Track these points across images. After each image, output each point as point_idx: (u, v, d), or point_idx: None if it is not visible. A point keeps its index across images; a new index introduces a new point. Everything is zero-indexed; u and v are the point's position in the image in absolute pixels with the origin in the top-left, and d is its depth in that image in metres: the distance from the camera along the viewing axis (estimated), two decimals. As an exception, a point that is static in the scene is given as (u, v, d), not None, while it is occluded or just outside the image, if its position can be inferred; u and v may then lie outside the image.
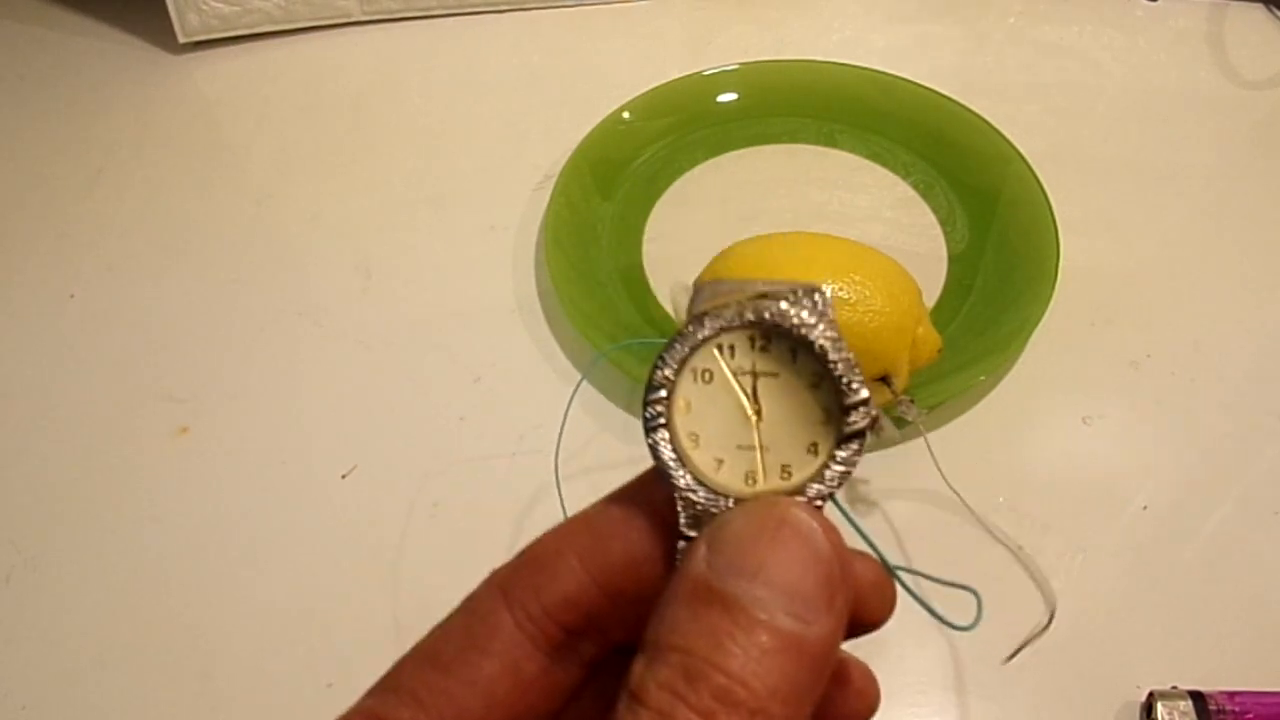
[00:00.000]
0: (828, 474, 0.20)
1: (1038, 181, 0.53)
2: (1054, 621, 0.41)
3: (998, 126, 0.57)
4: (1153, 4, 0.69)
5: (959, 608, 0.36)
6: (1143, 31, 0.68)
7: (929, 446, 0.43)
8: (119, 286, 0.56)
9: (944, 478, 0.43)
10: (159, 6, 0.66)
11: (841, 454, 0.20)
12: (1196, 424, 0.48)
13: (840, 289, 0.42)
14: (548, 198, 0.55)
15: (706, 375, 0.20)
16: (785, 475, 0.20)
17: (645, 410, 0.21)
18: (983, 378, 0.47)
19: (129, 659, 0.41)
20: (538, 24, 0.70)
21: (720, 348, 0.20)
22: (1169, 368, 0.50)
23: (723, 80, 0.61)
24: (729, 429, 0.20)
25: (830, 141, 0.60)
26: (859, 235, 0.47)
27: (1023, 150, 0.55)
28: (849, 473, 0.20)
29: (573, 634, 0.21)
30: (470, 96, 0.66)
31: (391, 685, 0.20)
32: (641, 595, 0.19)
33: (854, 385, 0.20)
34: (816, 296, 0.20)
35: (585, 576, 0.21)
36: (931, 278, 0.52)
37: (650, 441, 0.20)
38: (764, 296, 0.20)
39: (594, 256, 0.54)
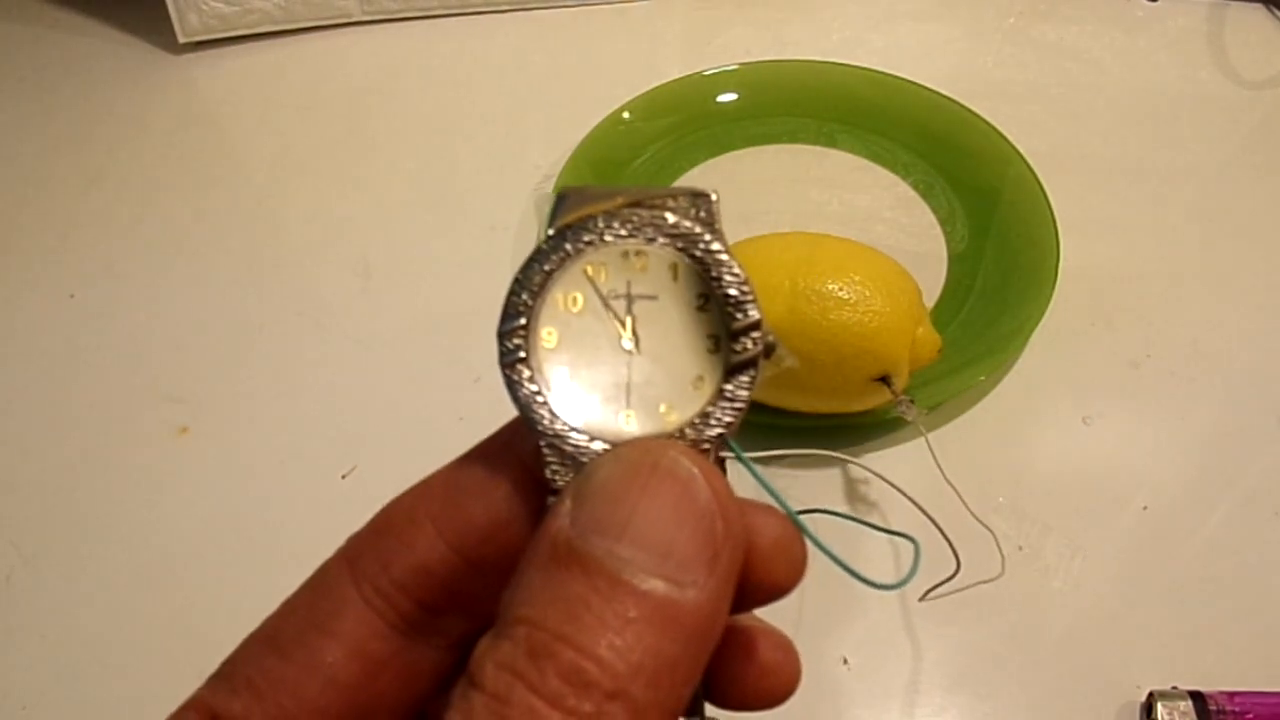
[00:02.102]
0: (714, 412, 0.17)
1: (1038, 181, 0.53)
2: (1054, 622, 0.41)
3: (998, 126, 0.57)
4: (1153, 4, 0.69)
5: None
6: (1143, 31, 0.68)
7: (929, 446, 0.43)
8: (119, 286, 0.55)
9: (944, 477, 0.43)
10: (159, 6, 0.66)
11: (729, 388, 0.17)
12: (1196, 424, 0.48)
13: (840, 289, 0.42)
14: (547, 198, 0.55)
15: (573, 300, 0.18)
16: (666, 415, 0.17)
17: (500, 344, 0.18)
18: (983, 378, 0.47)
19: (129, 659, 0.41)
20: (538, 24, 0.70)
21: (589, 267, 0.17)
22: (1169, 368, 0.50)
23: (723, 80, 0.61)
24: (600, 362, 0.17)
25: (830, 141, 0.60)
26: (859, 235, 0.47)
27: (1023, 150, 0.55)
28: (742, 410, 0.17)
29: (432, 610, 0.18)
30: (470, 96, 0.66)
31: (227, 672, 0.18)
32: (510, 564, 0.16)
33: (744, 305, 0.17)
34: (700, 201, 0.17)
35: (442, 544, 0.18)
36: (931, 278, 0.52)
37: (507, 379, 0.17)
38: (638, 204, 0.17)
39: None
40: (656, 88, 0.60)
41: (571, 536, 0.15)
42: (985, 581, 0.41)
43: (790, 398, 0.45)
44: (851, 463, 0.45)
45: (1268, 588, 0.42)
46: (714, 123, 0.61)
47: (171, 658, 0.41)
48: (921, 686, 0.40)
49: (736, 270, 0.17)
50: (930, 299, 0.51)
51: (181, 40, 0.67)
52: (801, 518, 0.18)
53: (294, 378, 0.51)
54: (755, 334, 0.17)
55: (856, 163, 0.59)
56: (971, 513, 0.42)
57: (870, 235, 0.54)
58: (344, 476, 0.47)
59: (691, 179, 0.58)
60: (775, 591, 0.18)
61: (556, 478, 0.17)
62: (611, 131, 0.58)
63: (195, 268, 0.56)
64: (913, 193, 0.57)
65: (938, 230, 0.55)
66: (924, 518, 0.40)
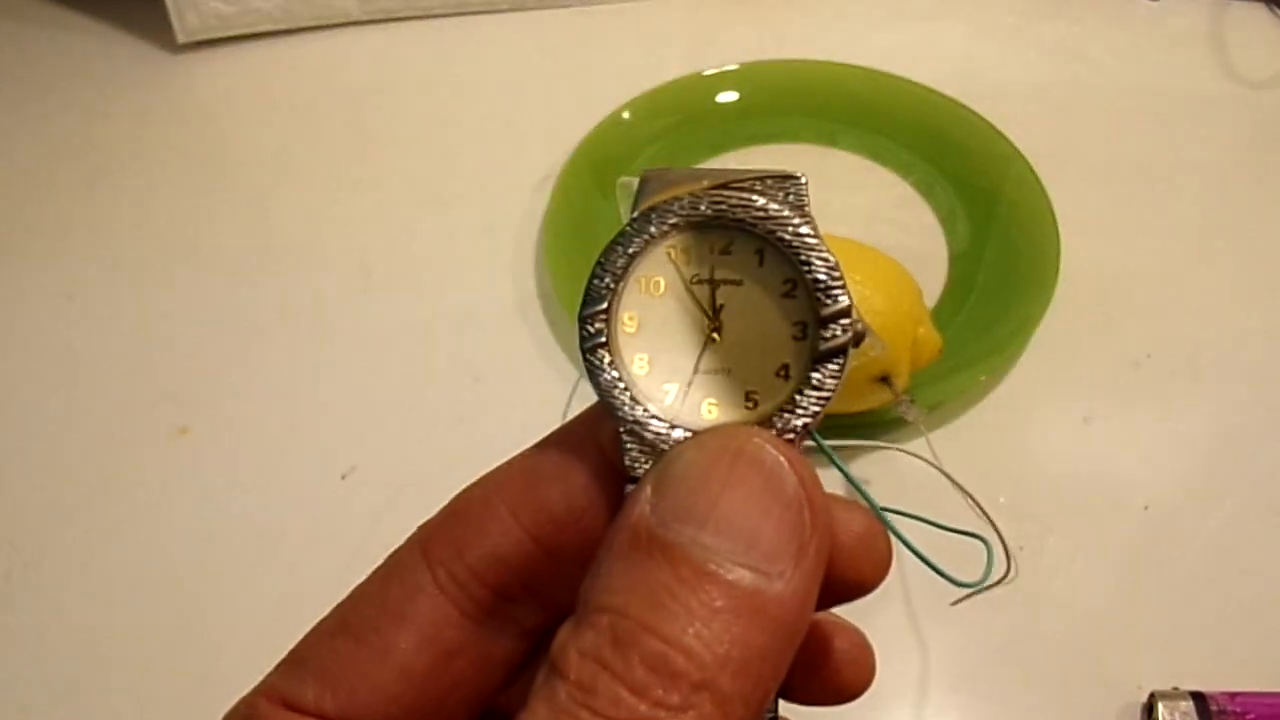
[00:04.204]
0: (801, 401, 0.16)
1: (1038, 181, 0.53)
2: (1055, 622, 0.41)
3: (998, 126, 0.57)
4: (1153, 4, 0.69)
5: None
6: (1143, 31, 0.68)
7: (930, 446, 0.43)
8: (119, 286, 0.55)
9: (945, 477, 0.43)
10: (158, 6, 0.65)
11: (817, 376, 0.17)
12: (1197, 424, 0.48)
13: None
14: (548, 198, 0.55)
15: (655, 285, 0.17)
16: (750, 404, 0.17)
17: (581, 328, 0.17)
18: (983, 378, 0.47)
19: (129, 659, 0.41)
20: (538, 24, 0.70)
21: (672, 250, 0.17)
22: (1169, 368, 0.50)
23: (723, 80, 0.61)
24: (683, 348, 0.17)
25: (830, 141, 0.60)
26: (859, 235, 0.47)
27: (1023, 150, 0.55)
28: (828, 399, 0.17)
29: (506, 598, 0.18)
30: (470, 96, 0.65)
31: (298, 658, 0.18)
32: (587, 552, 0.16)
33: (833, 291, 0.16)
34: (789, 184, 0.17)
35: (519, 530, 0.17)
36: (932, 278, 0.52)
37: (588, 364, 0.17)
38: (724, 186, 0.17)
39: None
40: (656, 88, 0.60)
41: (653, 524, 0.15)
42: (992, 586, 0.41)
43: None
44: (917, 456, 0.45)
45: (1269, 588, 0.42)
46: (714, 123, 0.61)
47: (171, 658, 0.41)
48: (923, 686, 0.40)
49: (827, 255, 0.17)
50: (931, 299, 0.51)
51: (181, 40, 0.67)
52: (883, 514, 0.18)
53: (294, 378, 0.51)
54: (845, 320, 0.16)
55: (857, 162, 0.59)
56: (973, 513, 0.42)
57: (871, 235, 0.54)
58: (344, 476, 0.46)
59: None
60: (859, 589, 0.17)
61: (636, 465, 0.17)
62: (611, 131, 0.58)
63: (195, 268, 0.56)
64: (913, 192, 0.57)
65: (938, 230, 0.55)
66: (981, 516, 0.40)
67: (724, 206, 0.17)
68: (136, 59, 0.68)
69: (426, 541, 0.18)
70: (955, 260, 0.54)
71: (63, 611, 0.43)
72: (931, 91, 0.59)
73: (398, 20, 0.70)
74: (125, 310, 0.54)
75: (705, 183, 0.17)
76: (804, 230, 0.17)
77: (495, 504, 0.18)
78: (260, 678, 0.18)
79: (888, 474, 0.45)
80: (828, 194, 0.58)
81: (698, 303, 0.17)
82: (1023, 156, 0.55)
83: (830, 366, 0.17)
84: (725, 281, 0.17)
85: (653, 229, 0.17)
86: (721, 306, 0.17)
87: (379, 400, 0.50)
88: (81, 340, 0.53)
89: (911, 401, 0.43)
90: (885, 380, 0.43)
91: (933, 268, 0.53)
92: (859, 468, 0.46)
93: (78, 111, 0.65)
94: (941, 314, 0.51)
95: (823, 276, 0.16)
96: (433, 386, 0.50)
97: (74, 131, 0.64)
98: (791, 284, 0.17)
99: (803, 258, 0.17)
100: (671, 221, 0.17)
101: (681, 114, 0.60)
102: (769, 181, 0.17)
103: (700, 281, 0.17)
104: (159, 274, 0.56)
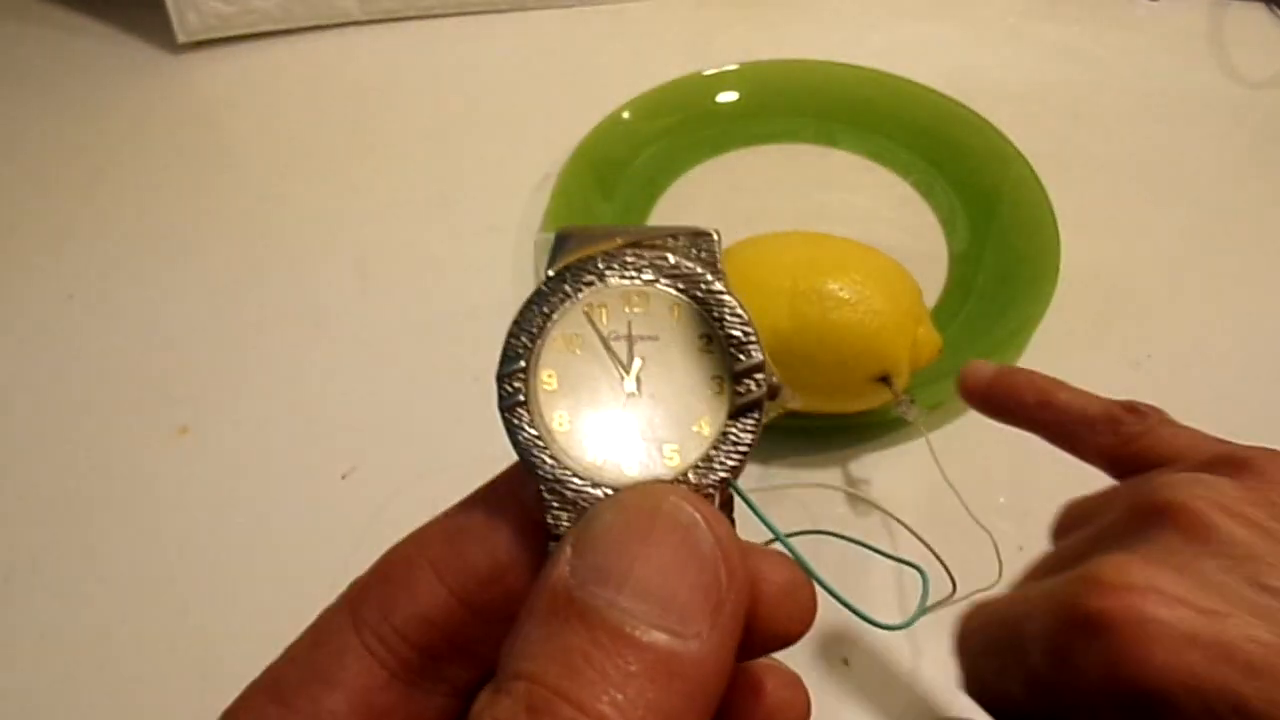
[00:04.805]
0: (718, 455, 0.17)
1: (1038, 181, 0.53)
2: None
3: (998, 126, 0.57)
4: (1153, 4, 0.69)
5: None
6: (1143, 31, 0.68)
7: (930, 446, 0.43)
8: (119, 286, 0.55)
9: (945, 477, 0.43)
10: (158, 6, 0.65)
11: (734, 431, 0.17)
12: (1197, 424, 0.47)
13: (840, 289, 0.42)
14: (548, 198, 0.55)
15: (573, 342, 0.17)
16: (670, 459, 0.17)
17: (500, 387, 0.17)
18: (983, 378, 0.47)
19: (129, 659, 0.41)
20: (538, 24, 0.70)
21: (589, 308, 0.17)
22: (1169, 368, 0.50)
23: (723, 80, 0.61)
24: (602, 405, 0.17)
25: (830, 141, 0.60)
26: (859, 235, 0.47)
27: (1023, 150, 0.55)
28: (746, 453, 0.17)
29: (435, 657, 0.18)
30: (470, 96, 0.66)
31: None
32: (513, 610, 0.16)
33: (747, 346, 0.17)
34: (701, 241, 0.17)
35: (444, 590, 0.17)
36: (932, 278, 0.52)
37: (506, 423, 0.17)
38: (638, 244, 0.17)
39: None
40: (656, 88, 0.60)
41: (572, 586, 0.15)
42: (981, 590, 0.41)
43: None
44: (849, 491, 0.45)
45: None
46: (714, 123, 0.61)
47: (171, 658, 0.41)
48: (921, 687, 0.40)
49: (739, 311, 0.17)
50: (931, 299, 0.51)
51: (180, 40, 0.67)
52: (809, 549, 0.18)
53: (293, 378, 0.51)
54: (759, 375, 0.17)
55: (857, 162, 0.59)
56: (973, 514, 0.42)
57: (870, 235, 0.54)
58: (344, 476, 0.46)
59: (691, 179, 0.58)
60: (783, 639, 0.17)
61: (558, 523, 0.17)
62: (611, 131, 0.58)
63: (195, 268, 0.56)
64: (913, 192, 0.57)
65: (938, 230, 0.55)
66: (924, 532, 0.40)
67: (638, 265, 0.17)
68: (136, 59, 0.68)
69: (354, 603, 0.18)
70: (955, 260, 0.54)
71: (63, 611, 0.43)
72: (931, 91, 0.59)
73: (398, 20, 0.70)
74: (125, 310, 0.54)
75: (620, 241, 0.17)
76: (716, 287, 0.17)
77: (420, 563, 0.18)
78: (260, 676, 0.18)
79: (887, 474, 0.45)
80: (828, 194, 0.58)
81: (615, 359, 0.17)
82: (1023, 157, 0.55)
83: (747, 421, 0.17)
84: (642, 338, 0.17)
85: (568, 287, 0.17)
86: (639, 362, 0.17)
87: (379, 400, 0.50)
88: (81, 340, 0.53)
89: (911, 401, 0.43)
90: (885, 380, 0.43)
91: (933, 268, 0.53)
92: (858, 469, 0.46)
93: (78, 111, 0.66)
94: (941, 314, 0.51)
95: (736, 332, 0.17)
96: (433, 386, 0.50)
97: (74, 131, 0.64)
98: (707, 339, 0.17)
99: (715, 314, 0.17)
100: (587, 280, 0.17)
101: (681, 114, 0.60)
102: (681, 239, 0.17)
103: (618, 338, 0.17)
104: (159, 274, 0.56)
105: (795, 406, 0.41)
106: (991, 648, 0.26)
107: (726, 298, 0.17)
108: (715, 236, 0.18)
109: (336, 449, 0.47)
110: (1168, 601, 0.21)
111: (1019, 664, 0.25)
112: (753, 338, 0.17)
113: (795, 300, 0.42)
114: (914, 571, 0.30)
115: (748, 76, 0.61)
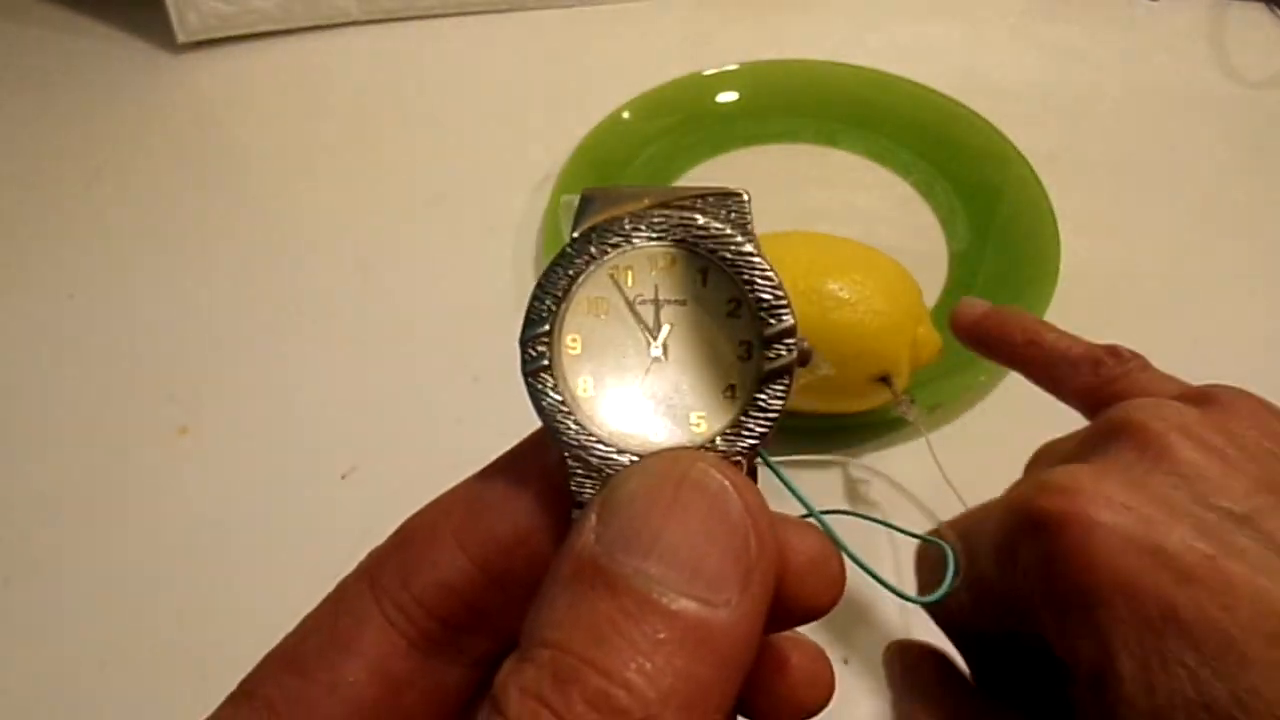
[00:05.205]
0: (747, 422, 0.16)
1: (1038, 181, 0.53)
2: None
3: (998, 126, 0.57)
4: (1153, 4, 0.69)
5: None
6: (1143, 31, 0.68)
7: (929, 446, 0.43)
8: (119, 286, 0.55)
9: (944, 477, 0.42)
10: (158, 6, 0.65)
11: (762, 397, 0.16)
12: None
13: (840, 289, 0.42)
14: (548, 198, 0.55)
15: (598, 306, 0.17)
16: (696, 425, 0.17)
17: (523, 351, 0.17)
18: (983, 378, 0.47)
19: (129, 660, 0.41)
20: (538, 24, 0.70)
21: (615, 271, 0.17)
22: (1169, 368, 0.50)
23: (723, 80, 0.61)
24: (627, 370, 0.17)
25: (830, 141, 0.60)
26: (859, 235, 0.47)
27: (1023, 150, 0.55)
28: (775, 420, 0.16)
29: (455, 627, 0.17)
30: (470, 96, 0.66)
31: (246, 691, 0.17)
32: (535, 579, 0.16)
33: (777, 310, 0.16)
34: (732, 202, 0.17)
35: (464, 559, 0.17)
36: (932, 278, 0.52)
37: (530, 388, 0.17)
38: (666, 205, 0.17)
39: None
40: (656, 88, 0.60)
41: (597, 554, 0.15)
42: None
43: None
44: (848, 491, 0.45)
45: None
46: (714, 123, 0.61)
47: (171, 659, 0.41)
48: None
49: (770, 273, 0.16)
50: (930, 299, 0.51)
51: (180, 40, 0.67)
52: (836, 529, 0.17)
53: (294, 378, 0.51)
54: (789, 340, 0.16)
55: (857, 162, 0.59)
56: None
57: (870, 235, 0.54)
58: (344, 476, 0.46)
59: (691, 179, 0.58)
60: (811, 612, 0.17)
61: (581, 490, 0.16)
62: (611, 131, 0.58)
63: (195, 268, 0.56)
64: (913, 192, 0.57)
65: (938, 230, 0.55)
66: (931, 517, 0.40)
67: (665, 226, 0.16)
68: (135, 59, 0.68)
69: (373, 571, 0.18)
70: (955, 260, 0.54)
71: (63, 612, 0.43)
72: (931, 91, 0.59)
73: (398, 20, 0.70)
74: (125, 310, 0.54)
75: (646, 201, 0.17)
76: (746, 249, 0.16)
77: (441, 532, 0.18)
78: (276, 647, 0.18)
79: (887, 474, 0.45)
80: (828, 194, 0.58)
81: (641, 323, 0.17)
82: (1023, 157, 0.55)
83: (776, 387, 0.16)
84: (669, 301, 0.17)
85: (594, 249, 0.17)
86: (666, 327, 0.17)
87: (379, 400, 0.50)
88: (82, 340, 0.53)
89: (911, 401, 0.43)
90: (885, 380, 0.43)
91: (933, 268, 0.53)
92: (857, 469, 0.46)
93: (77, 111, 0.66)
94: (941, 314, 0.50)
95: (766, 296, 0.16)
96: (433, 386, 0.50)
97: (74, 131, 0.64)
98: (736, 303, 0.17)
99: (746, 277, 0.16)
100: (613, 242, 0.17)
101: (681, 114, 0.60)
102: (710, 200, 0.17)
103: (644, 302, 0.17)
104: (159, 273, 0.56)
105: (827, 372, 0.40)
106: (935, 560, 0.27)
107: (757, 260, 0.16)
108: (745, 197, 0.17)
109: (336, 449, 0.47)
110: (1112, 506, 0.22)
111: (970, 569, 0.25)
112: (784, 301, 0.16)
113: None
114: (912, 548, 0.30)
115: (748, 76, 0.61)
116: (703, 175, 0.59)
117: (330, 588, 0.19)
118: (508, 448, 0.19)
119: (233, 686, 0.18)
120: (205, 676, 0.40)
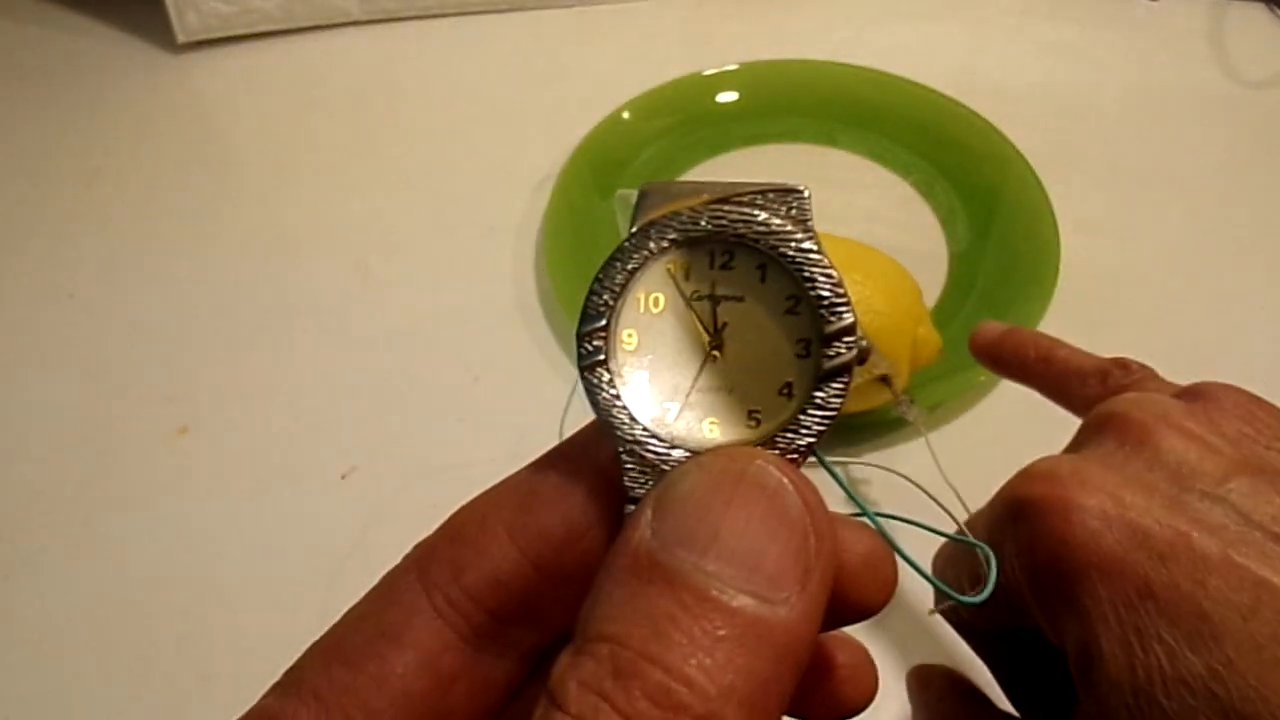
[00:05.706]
0: (805, 420, 0.16)
1: (1038, 181, 0.53)
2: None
3: (998, 126, 0.57)
4: (1153, 4, 0.69)
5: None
6: (1143, 31, 0.68)
7: (929, 446, 0.43)
8: (119, 286, 0.55)
9: (945, 478, 0.42)
10: (158, 6, 0.65)
11: (821, 395, 0.16)
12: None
13: (840, 289, 0.42)
14: (548, 198, 0.55)
15: (655, 301, 0.17)
16: (753, 423, 0.17)
17: (579, 345, 0.17)
18: (983, 378, 0.47)
19: (128, 659, 0.41)
20: (538, 24, 0.70)
21: (672, 266, 0.17)
22: (1168, 367, 0.50)
23: (723, 80, 0.61)
24: (683, 366, 0.17)
25: (830, 141, 0.60)
26: (859, 235, 0.47)
27: (1023, 150, 0.55)
28: (832, 418, 0.16)
29: (504, 621, 0.17)
30: (470, 96, 0.66)
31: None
32: (586, 573, 0.16)
33: (837, 308, 0.16)
34: (792, 198, 0.17)
35: (515, 552, 0.17)
36: (932, 278, 0.52)
37: (586, 383, 0.17)
38: (725, 200, 0.16)
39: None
40: (656, 88, 0.60)
41: (654, 549, 0.15)
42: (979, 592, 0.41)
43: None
44: (847, 491, 0.45)
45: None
46: (714, 123, 0.61)
47: (171, 658, 0.41)
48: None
49: (830, 271, 0.16)
50: (930, 299, 0.51)
51: (180, 40, 0.67)
52: (889, 534, 0.17)
53: (294, 378, 0.51)
54: (849, 339, 0.16)
55: (857, 162, 0.59)
56: (971, 515, 0.41)
57: (870, 235, 0.54)
58: (344, 476, 0.46)
59: (692, 179, 0.58)
60: (864, 611, 0.17)
61: (636, 486, 0.16)
62: (611, 131, 0.58)
63: (195, 268, 0.56)
64: (913, 192, 0.57)
65: (938, 230, 0.55)
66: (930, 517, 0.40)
67: (724, 222, 0.16)
68: (136, 59, 0.68)
69: (423, 563, 0.18)
70: (955, 260, 0.54)
71: (63, 611, 0.43)
72: (931, 91, 0.59)
73: (398, 20, 0.70)
74: (125, 310, 0.54)
75: (705, 197, 0.16)
76: (807, 245, 0.16)
77: (492, 525, 0.17)
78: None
79: (885, 475, 0.45)
80: (828, 194, 0.58)
81: (698, 319, 0.17)
82: (1023, 157, 0.55)
83: (834, 385, 0.16)
84: (726, 298, 0.17)
85: (652, 245, 0.16)
86: (723, 324, 0.17)
87: (379, 400, 0.50)
88: (82, 339, 0.53)
89: (911, 401, 0.43)
90: (885, 380, 0.43)
91: (933, 268, 0.53)
92: (857, 469, 0.45)
93: (77, 111, 0.65)
94: (941, 314, 0.51)
95: (826, 293, 0.16)
96: (433, 386, 0.50)
97: (74, 131, 0.64)
98: (795, 300, 0.16)
99: (806, 274, 0.16)
100: (671, 237, 0.16)
101: (681, 114, 0.60)
102: (770, 195, 0.16)
103: (701, 298, 0.17)
104: (159, 273, 0.56)
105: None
106: (951, 558, 0.28)
107: (818, 256, 0.16)
108: (806, 193, 0.17)
109: (336, 449, 0.47)
110: (1092, 490, 0.22)
111: (967, 568, 0.26)
112: (844, 299, 0.16)
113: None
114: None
115: (748, 76, 0.61)
116: (703, 175, 0.59)
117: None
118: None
119: (233, 686, 0.18)
120: (205, 676, 0.40)
